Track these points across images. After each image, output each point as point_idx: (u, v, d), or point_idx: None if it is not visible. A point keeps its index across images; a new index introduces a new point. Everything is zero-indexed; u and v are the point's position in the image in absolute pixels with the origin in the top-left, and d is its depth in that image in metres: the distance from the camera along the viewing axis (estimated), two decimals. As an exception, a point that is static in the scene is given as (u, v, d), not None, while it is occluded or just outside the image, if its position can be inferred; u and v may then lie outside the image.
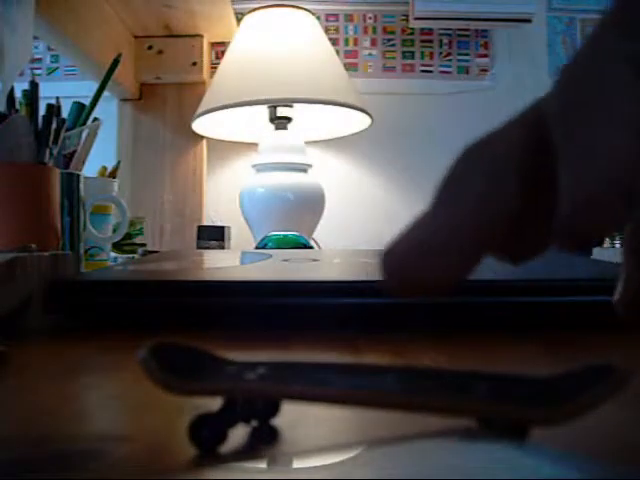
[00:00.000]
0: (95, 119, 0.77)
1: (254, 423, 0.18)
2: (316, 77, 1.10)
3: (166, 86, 1.31)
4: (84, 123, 0.75)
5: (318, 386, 0.16)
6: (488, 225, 0.15)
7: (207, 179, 1.34)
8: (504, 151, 0.16)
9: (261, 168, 1.17)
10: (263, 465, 0.16)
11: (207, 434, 0.16)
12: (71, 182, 0.66)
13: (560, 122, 0.15)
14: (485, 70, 1.42)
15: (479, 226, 0.15)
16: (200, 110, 1.15)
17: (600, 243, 1.11)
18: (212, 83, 1.18)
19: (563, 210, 0.14)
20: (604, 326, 0.33)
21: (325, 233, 1.24)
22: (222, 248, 1.06)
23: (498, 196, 0.15)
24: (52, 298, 0.37)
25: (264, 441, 0.18)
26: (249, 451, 0.17)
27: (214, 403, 0.16)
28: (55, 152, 0.61)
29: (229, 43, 1.22)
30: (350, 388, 0.16)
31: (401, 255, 0.14)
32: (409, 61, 1.41)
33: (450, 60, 1.41)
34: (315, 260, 0.55)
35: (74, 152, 0.73)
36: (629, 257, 0.20)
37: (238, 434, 0.17)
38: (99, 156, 0.83)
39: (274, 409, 0.18)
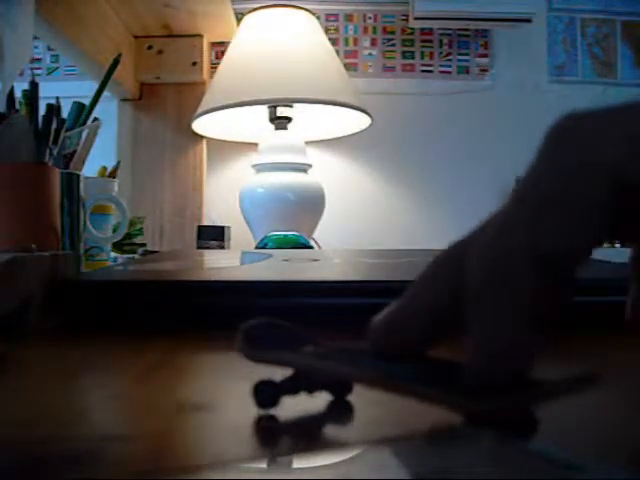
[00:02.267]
0: (95, 119, 0.77)
1: (318, 396, 0.20)
2: (316, 77, 1.10)
3: (166, 86, 1.31)
4: (84, 123, 0.75)
5: (361, 370, 0.18)
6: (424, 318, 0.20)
7: (207, 179, 1.34)
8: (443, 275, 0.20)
9: (261, 168, 1.17)
10: (263, 465, 0.16)
11: (263, 396, 0.19)
12: (71, 182, 0.66)
13: (472, 298, 0.18)
14: (485, 70, 1.42)
15: (419, 318, 0.20)
16: (200, 110, 1.15)
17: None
18: (212, 83, 1.18)
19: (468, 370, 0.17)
20: (601, 326, 0.33)
21: (325, 233, 1.24)
22: (222, 248, 1.06)
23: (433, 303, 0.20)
24: (52, 298, 0.37)
25: (336, 414, 0.20)
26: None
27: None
28: (55, 152, 0.61)
29: (229, 43, 1.22)
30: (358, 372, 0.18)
31: (378, 330, 0.20)
32: (409, 61, 1.41)
33: (450, 60, 1.41)
34: (315, 260, 0.55)
35: (74, 152, 0.73)
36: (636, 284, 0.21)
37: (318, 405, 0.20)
38: (99, 156, 0.83)
39: (348, 386, 0.20)
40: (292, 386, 0.19)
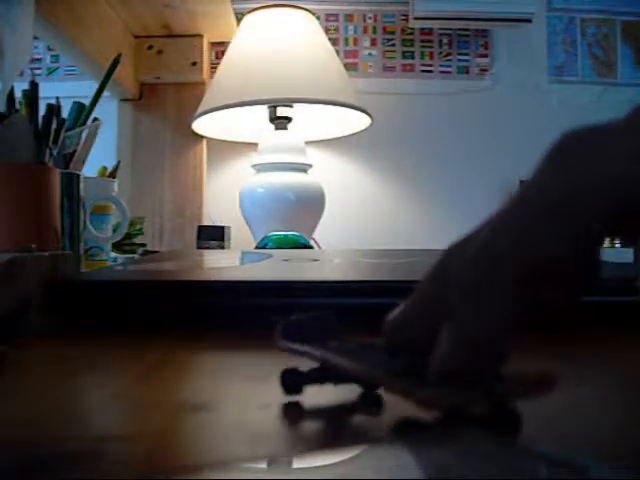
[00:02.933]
0: (95, 119, 0.77)
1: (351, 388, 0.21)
2: (316, 77, 1.10)
3: (166, 86, 1.31)
4: (84, 123, 0.75)
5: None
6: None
7: (207, 179, 1.34)
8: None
9: (261, 168, 1.17)
10: (263, 465, 0.16)
11: (288, 383, 0.20)
12: (71, 182, 0.66)
13: (459, 299, 0.19)
14: (485, 70, 1.42)
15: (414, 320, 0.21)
16: (200, 110, 1.15)
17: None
18: (212, 83, 1.18)
19: (438, 355, 0.18)
20: (601, 326, 0.33)
21: (325, 233, 1.24)
22: (222, 248, 1.06)
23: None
24: (52, 298, 0.37)
25: (367, 407, 0.20)
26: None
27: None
28: (55, 152, 0.61)
29: (229, 43, 1.22)
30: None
31: (389, 327, 0.21)
32: (409, 61, 1.41)
33: (450, 60, 1.41)
34: (315, 260, 0.55)
35: (74, 152, 0.73)
36: None
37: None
38: (99, 156, 0.83)
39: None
40: (317, 376, 0.20)
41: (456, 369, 0.17)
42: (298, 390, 0.20)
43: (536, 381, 0.17)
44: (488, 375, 0.17)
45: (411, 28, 1.40)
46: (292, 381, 0.20)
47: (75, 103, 0.77)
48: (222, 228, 1.09)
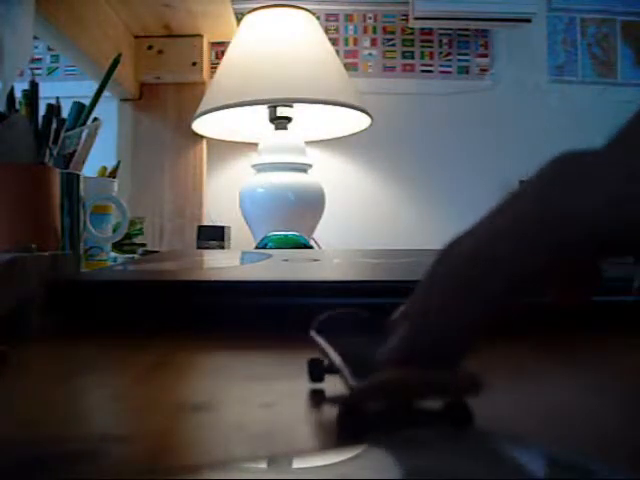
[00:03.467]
0: (95, 119, 0.77)
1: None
2: (316, 77, 1.10)
3: (166, 86, 1.31)
4: (84, 123, 0.75)
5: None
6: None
7: (207, 179, 1.34)
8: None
9: (261, 168, 1.17)
10: (263, 465, 0.16)
11: (311, 371, 0.22)
12: (71, 182, 0.66)
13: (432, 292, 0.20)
14: (485, 70, 1.42)
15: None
16: (200, 110, 1.15)
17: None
18: (212, 83, 1.18)
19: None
20: (601, 326, 0.33)
21: (325, 233, 1.24)
22: (222, 248, 1.06)
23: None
24: (52, 298, 0.37)
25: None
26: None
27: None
28: (55, 152, 0.61)
29: (229, 43, 1.22)
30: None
31: (390, 325, 0.21)
32: (409, 61, 1.41)
33: (450, 60, 1.41)
34: (315, 260, 0.55)
35: (74, 152, 0.73)
36: None
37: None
38: (99, 156, 0.83)
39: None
40: (335, 367, 0.21)
41: (398, 361, 0.18)
42: (320, 378, 0.22)
43: (470, 381, 0.17)
44: (427, 370, 0.18)
45: (411, 28, 1.40)
46: (315, 369, 0.22)
47: (75, 103, 0.77)
48: (222, 228, 1.09)
